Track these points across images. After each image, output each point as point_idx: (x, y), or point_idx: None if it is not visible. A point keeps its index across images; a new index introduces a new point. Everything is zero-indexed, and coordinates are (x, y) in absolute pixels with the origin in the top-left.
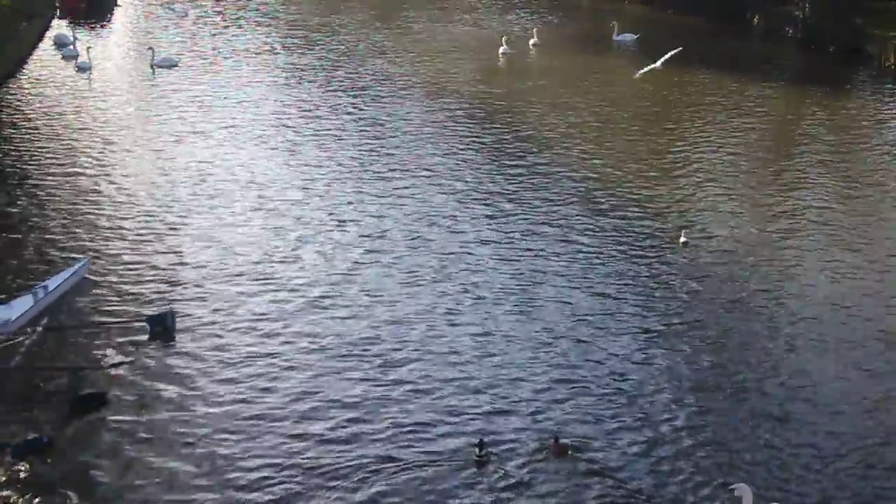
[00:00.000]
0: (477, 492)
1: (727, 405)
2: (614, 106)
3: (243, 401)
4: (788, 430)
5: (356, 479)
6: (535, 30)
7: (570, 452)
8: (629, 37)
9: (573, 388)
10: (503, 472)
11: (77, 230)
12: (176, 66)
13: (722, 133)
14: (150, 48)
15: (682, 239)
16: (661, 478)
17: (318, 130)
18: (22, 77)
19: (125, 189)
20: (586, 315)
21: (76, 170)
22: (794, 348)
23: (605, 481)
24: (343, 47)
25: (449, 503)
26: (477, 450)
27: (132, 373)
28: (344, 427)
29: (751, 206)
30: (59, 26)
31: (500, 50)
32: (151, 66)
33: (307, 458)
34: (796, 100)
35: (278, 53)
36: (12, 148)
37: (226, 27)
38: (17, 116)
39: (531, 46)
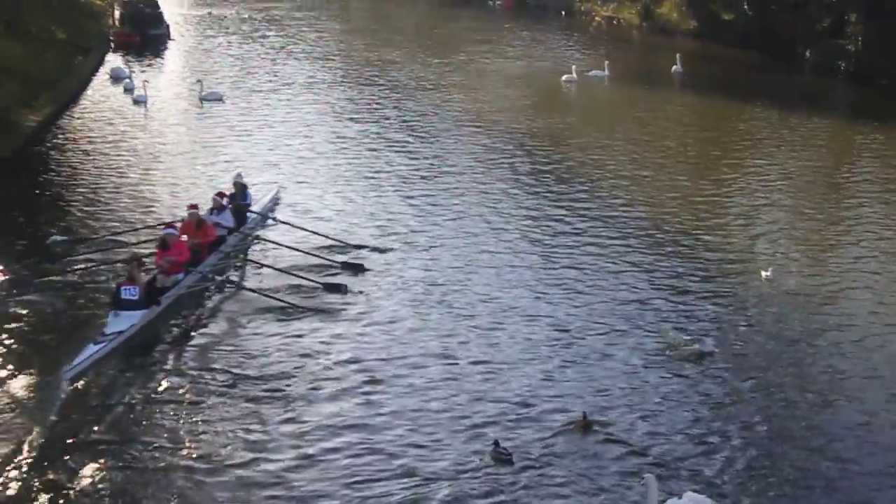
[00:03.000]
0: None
1: (783, 432)
2: (675, 139)
3: None
4: (832, 458)
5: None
6: (605, 62)
7: (594, 427)
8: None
9: (642, 412)
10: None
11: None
12: (221, 99)
13: (780, 168)
14: (199, 81)
15: (765, 274)
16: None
17: (367, 164)
18: (78, 110)
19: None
20: (659, 347)
21: (139, 200)
22: (864, 388)
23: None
24: (394, 81)
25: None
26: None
27: None
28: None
29: (821, 242)
30: (114, 60)
31: (564, 77)
32: (200, 100)
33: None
34: (850, 133)
35: (330, 87)
36: (74, 179)
37: (275, 61)
38: (76, 148)
39: (597, 76)
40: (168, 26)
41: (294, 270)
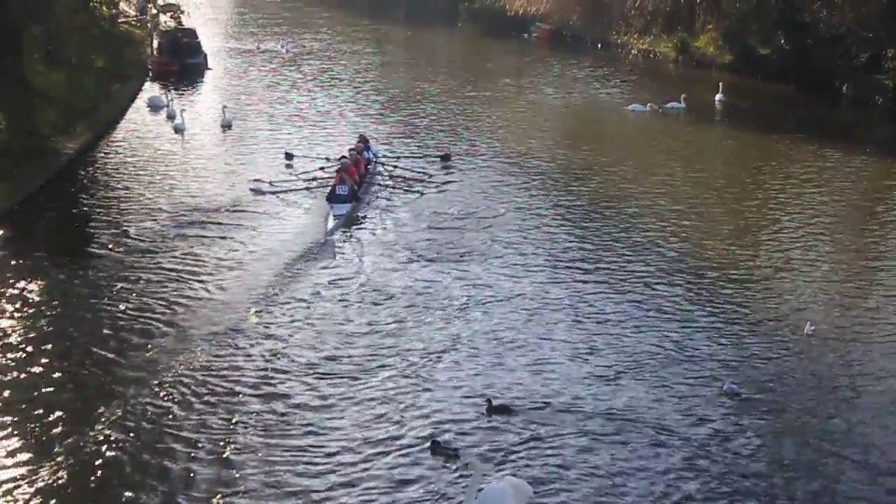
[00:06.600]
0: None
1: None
2: (719, 174)
3: None
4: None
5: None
6: (682, 95)
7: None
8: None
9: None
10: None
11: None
12: (230, 126)
13: (821, 208)
14: (224, 107)
15: (808, 329)
16: None
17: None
18: (118, 137)
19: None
20: (693, 404)
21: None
22: None
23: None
24: (424, 115)
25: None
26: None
27: None
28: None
29: (864, 287)
30: (151, 89)
31: (630, 107)
32: (221, 126)
33: None
34: (890, 170)
35: (365, 117)
36: (114, 200)
37: (306, 90)
38: (117, 172)
39: (675, 108)
40: (206, 56)
41: (410, 178)
